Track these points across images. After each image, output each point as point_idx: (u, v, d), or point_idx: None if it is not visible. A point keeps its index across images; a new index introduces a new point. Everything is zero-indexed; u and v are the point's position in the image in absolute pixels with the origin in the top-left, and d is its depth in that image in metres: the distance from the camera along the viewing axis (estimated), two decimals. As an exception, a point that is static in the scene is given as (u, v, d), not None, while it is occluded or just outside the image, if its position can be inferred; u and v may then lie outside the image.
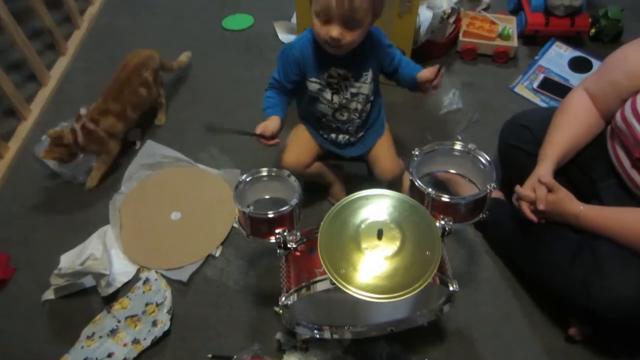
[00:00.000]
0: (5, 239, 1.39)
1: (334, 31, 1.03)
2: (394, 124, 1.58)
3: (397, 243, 0.80)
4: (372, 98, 1.23)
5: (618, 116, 1.08)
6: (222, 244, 1.36)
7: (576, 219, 1.07)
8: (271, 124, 1.14)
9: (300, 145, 1.31)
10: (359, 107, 1.22)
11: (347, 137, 1.29)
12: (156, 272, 1.29)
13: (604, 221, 1.05)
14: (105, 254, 1.28)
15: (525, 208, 1.11)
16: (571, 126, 1.16)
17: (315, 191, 1.45)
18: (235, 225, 1.39)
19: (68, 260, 1.27)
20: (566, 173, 1.18)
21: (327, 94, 1.19)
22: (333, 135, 1.29)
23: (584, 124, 1.16)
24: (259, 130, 1.13)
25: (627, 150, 1.07)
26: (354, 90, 1.19)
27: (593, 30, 1.92)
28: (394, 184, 1.35)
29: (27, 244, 1.38)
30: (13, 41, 1.64)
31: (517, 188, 1.12)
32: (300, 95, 1.25)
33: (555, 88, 1.74)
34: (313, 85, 1.18)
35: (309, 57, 1.15)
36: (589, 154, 1.18)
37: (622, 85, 1.09)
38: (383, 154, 1.33)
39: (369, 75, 1.18)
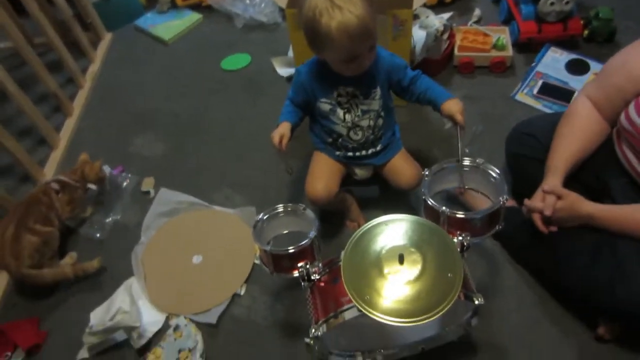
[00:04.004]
0: (33, 305, 1.41)
1: (366, 62, 1.10)
2: (400, 143, 1.60)
3: (419, 266, 0.81)
4: (382, 114, 1.26)
5: (622, 117, 1.09)
6: (246, 281, 1.38)
7: (591, 220, 1.08)
8: (280, 129, 1.19)
9: (325, 171, 1.33)
10: (371, 123, 1.25)
11: (364, 152, 1.32)
12: (185, 317, 1.30)
13: (619, 220, 1.06)
14: (133, 306, 1.30)
15: (537, 219, 1.12)
16: (577, 136, 1.17)
17: (331, 220, 1.47)
18: (257, 262, 1.40)
19: (97, 317, 1.29)
20: (577, 175, 1.19)
21: (340, 113, 1.23)
22: (350, 154, 1.32)
23: (589, 132, 1.17)
24: (273, 138, 1.18)
25: (634, 149, 1.08)
26: (364, 107, 1.22)
27: (586, 32, 1.93)
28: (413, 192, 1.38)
29: (55, 307, 1.40)
30: (21, 109, 1.69)
31: (526, 202, 1.13)
32: (315, 119, 1.30)
33: (556, 92, 1.76)
34: (324, 105, 1.22)
35: (317, 79, 1.20)
36: (598, 156, 1.19)
37: (625, 89, 1.09)
38: (403, 161, 1.35)
39: (377, 93, 1.21)
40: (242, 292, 1.36)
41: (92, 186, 1.59)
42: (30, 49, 1.77)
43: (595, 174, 1.19)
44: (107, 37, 2.37)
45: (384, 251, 0.84)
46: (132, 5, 2.42)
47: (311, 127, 1.35)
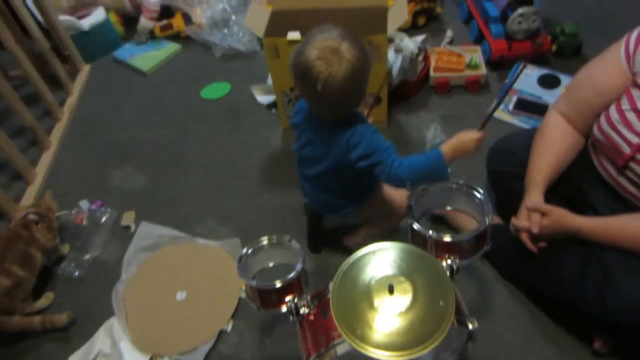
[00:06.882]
0: (7, 349, 1.35)
1: None
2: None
3: (410, 296, 0.79)
4: None
5: (595, 129, 1.11)
6: (233, 317, 1.34)
7: (579, 233, 1.09)
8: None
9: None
10: None
11: None
12: (170, 358, 1.26)
13: (607, 232, 1.06)
14: (114, 348, 1.25)
15: (525, 239, 1.12)
16: (552, 150, 1.18)
17: (318, 249, 1.47)
18: (243, 295, 1.37)
19: (77, 361, 1.24)
20: (557, 188, 1.20)
21: None
22: None
23: (564, 145, 1.19)
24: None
25: (611, 160, 1.10)
26: None
27: (554, 47, 1.99)
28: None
29: (32, 348, 1.34)
30: (-5, 143, 1.64)
31: (514, 221, 1.14)
32: None
33: (531, 107, 1.80)
34: None
35: None
36: (576, 167, 1.20)
37: (593, 103, 1.12)
38: None
39: None
40: (229, 329, 1.32)
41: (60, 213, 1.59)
42: (5, 82, 1.73)
43: (575, 186, 1.21)
44: (85, 69, 2.35)
45: (373, 282, 0.82)
46: (110, 37, 2.41)
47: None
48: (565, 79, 1.86)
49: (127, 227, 1.62)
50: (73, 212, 1.66)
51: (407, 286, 0.80)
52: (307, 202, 1.35)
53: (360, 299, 0.80)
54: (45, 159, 1.91)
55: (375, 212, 1.34)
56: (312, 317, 0.97)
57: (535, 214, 1.10)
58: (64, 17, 2.20)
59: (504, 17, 1.90)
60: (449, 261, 0.97)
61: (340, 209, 1.29)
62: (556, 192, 1.20)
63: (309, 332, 0.97)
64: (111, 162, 1.87)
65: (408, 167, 1.06)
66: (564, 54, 1.99)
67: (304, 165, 1.24)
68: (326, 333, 0.92)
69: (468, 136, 1.07)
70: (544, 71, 1.91)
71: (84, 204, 1.70)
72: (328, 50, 0.98)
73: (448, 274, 0.95)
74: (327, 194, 1.25)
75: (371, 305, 0.79)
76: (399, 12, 1.61)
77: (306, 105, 1.16)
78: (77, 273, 1.50)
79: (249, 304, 1.04)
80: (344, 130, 1.09)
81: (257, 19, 1.68)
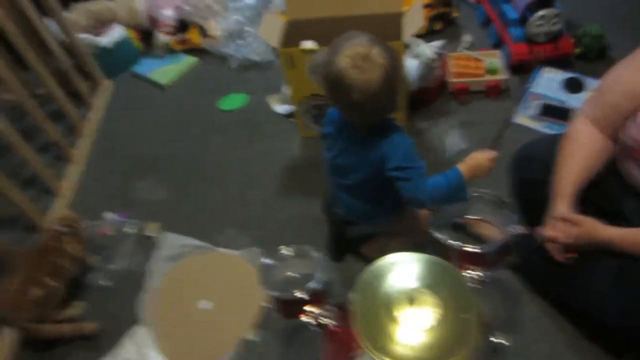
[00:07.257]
0: (41, 353, 1.38)
1: None
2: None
3: (433, 309, 0.78)
4: None
5: (625, 134, 1.07)
6: (256, 325, 1.34)
7: (610, 244, 1.04)
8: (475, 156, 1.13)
9: None
10: None
11: None
12: (194, 367, 1.27)
13: (638, 244, 1.02)
14: (140, 356, 1.27)
15: (553, 248, 1.09)
16: (580, 156, 1.14)
17: (338, 257, 1.46)
18: (266, 305, 1.37)
19: (103, 372, 1.26)
20: (586, 197, 1.17)
21: None
22: None
23: (592, 151, 1.15)
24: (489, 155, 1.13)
25: None
26: None
27: (578, 50, 1.94)
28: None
29: (62, 356, 1.37)
30: (24, 159, 1.69)
31: (541, 231, 1.11)
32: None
33: (555, 112, 1.76)
34: None
35: None
36: (606, 177, 1.16)
37: (622, 106, 1.08)
38: None
39: None
40: (253, 337, 1.33)
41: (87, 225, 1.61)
42: (32, 100, 1.78)
43: (604, 194, 1.17)
44: (107, 85, 2.40)
45: (395, 294, 0.81)
46: (129, 53, 2.46)
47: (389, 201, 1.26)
48: (590, 82, 1.82)
49: (152, 238, 1.65)
50: (100, 224, 1.69)
51: (430, 299, 0.79)
52: (339, 211, 1.32)
53: (382, 311, 0.80)
54: (71, 173, 1.95)
55: (408, 223, 1.32)
56: (333, 327, 0.97)
57: (565, 223, 1.07)
58: (84, 35, 2.26)
59: (523, 20, 1.87)
60: (472, 272, 0.95)
61: (376, 218, 1.27)
62: (587, 201, 1.15)
63: (331, 342, 0.97)
64: (134, 174, 1.91)
65: (432, 188, 1.06)
66: (588, 56, 1.94)
67: (338, 175, 1.23)
68: (348, 344, 0.91)
69: (482, 155, 1.07)
70: (568, 75, 1.86)
71: (109, 216, 1.73)
72: (359, 57, 0.97)
73: (472, 285, 0.94)
74: (363, 202, 1.24)
75: (393, 318, 0.79)
76: (414, 17, 1.60)
77: (338, 115, 1.15)
78: (104, 283, 1.53)
79: (272, 313, 1.04)
80: (379, 139, 1.08)
81: (272, 29, 1.69)
